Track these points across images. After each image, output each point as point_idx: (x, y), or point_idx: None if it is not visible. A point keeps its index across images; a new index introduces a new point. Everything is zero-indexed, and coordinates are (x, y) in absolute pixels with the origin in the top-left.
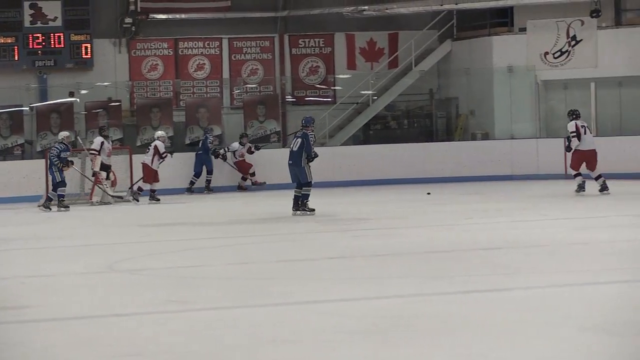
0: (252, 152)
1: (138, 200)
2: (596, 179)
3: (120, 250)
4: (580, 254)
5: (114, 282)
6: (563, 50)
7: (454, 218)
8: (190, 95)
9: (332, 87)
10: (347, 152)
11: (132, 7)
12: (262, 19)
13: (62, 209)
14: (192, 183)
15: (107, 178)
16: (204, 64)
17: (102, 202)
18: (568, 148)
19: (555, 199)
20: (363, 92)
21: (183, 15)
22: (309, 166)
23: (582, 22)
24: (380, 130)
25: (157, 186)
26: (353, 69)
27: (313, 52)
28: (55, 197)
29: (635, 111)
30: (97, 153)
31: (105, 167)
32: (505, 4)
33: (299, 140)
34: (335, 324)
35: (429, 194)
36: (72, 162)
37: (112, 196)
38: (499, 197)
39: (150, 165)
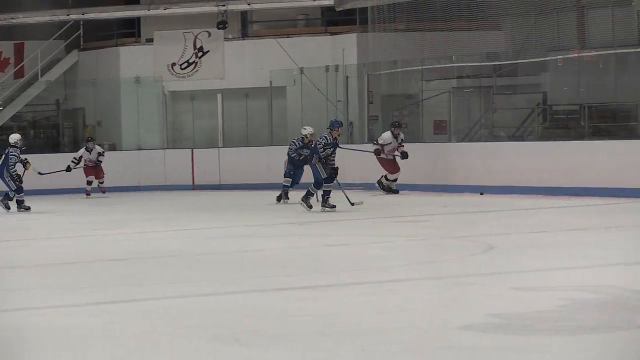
0: (101, 157)
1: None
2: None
3: None
4: (209, 264)
5: None
6: (190, 61)
7: (80, 229)
8: None
9: None
10: None
11: None
12: None
13: None
14: None
15: None
16: None
17: None
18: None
19: (183, 209)
20: None
21: None
22: (320, 164)
23: (209, 34)
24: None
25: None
26: None
27: None
28: None
29: (260, 122)
30: None
31: None
32: (132, 14)
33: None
34: None
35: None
36: None
37: None
38: (126, 208)
39: None
